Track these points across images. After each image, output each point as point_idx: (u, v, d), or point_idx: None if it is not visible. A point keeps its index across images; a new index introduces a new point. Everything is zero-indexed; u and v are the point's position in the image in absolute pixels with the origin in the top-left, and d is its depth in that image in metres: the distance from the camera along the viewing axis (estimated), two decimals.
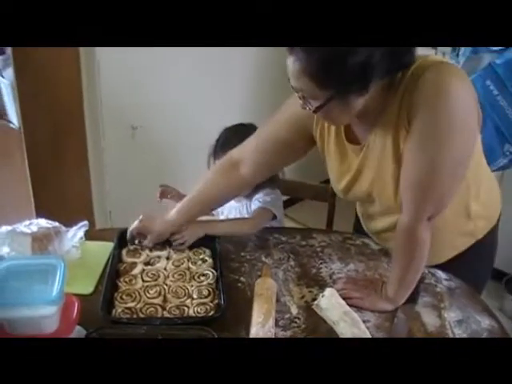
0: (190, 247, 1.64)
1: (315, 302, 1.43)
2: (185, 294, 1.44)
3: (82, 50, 2.36)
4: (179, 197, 1.90)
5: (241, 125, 1.95)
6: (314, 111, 1.30)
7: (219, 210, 1.96)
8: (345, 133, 1.47)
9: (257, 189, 1.89)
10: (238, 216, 1.95)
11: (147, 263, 1.58)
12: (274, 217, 1.86)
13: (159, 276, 1.51)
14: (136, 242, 1.64)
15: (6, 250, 1.47)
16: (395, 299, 1.45)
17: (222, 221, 1.91)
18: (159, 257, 1.59)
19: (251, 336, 1.29)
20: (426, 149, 1.28)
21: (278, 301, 1.45)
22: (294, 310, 1.44)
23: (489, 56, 2.29)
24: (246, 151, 1.65)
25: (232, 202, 1.91)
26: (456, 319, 1.43)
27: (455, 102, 1.23)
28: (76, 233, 1.61)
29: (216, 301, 1.42)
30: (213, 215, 1.97)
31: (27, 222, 1.57)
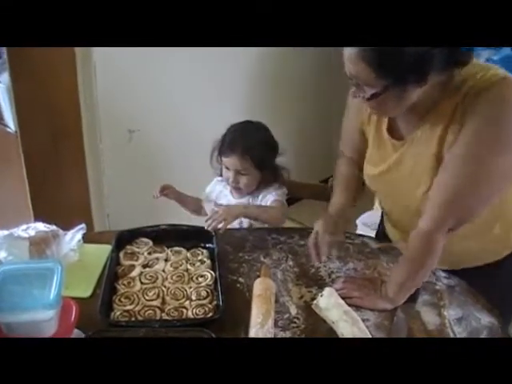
0: (188, 248, 1.64)
1: (314, 302, 1.43)
2: (183, 296, 1.44)
3: (78, 53, 2.35)
4: (174, 194, 1.91)
5: (248, 122, 1.94)
6: (368, 99, 1.27)
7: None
8: (387, 125, 1.46)
9: (263, 185, 1.90)
10: None
11: (145, 265, 1.57)
12: None
13: (157, 278, 1.51)
14: None
15: (3, 254, 1.46)
16: (395, 300, 1.45)
17: (255, 205, 1.88)
18: (157, 259, 1.59)
19: (250, 337, 1.29)
20: (474, 158, 1.27)
21: (276, 301, 1.45)
22: (293, 310, 1.44)
23: (486, 52, 2.29)
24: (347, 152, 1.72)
25: (231, 199, 1.93)
26: (456, 317, 1.42)
27: None
28: (74, 236, 1.60)
29: (215, 302, 1.42)
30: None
31: (25, 226, 1.57)
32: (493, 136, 1.25)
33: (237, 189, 1.88)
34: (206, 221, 1.66)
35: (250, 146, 1.82)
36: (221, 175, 1.95)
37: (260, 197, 1.90)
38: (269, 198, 1.88)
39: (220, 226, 1.64)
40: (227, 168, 1.86)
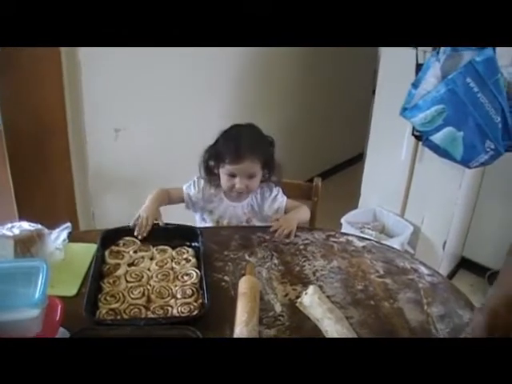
0: (174, 247, 1.65)
1: (299, 300, 1.44)
2: (168, 294, 1.44)
3: (63, 51, 2.34)
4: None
5: (239, 125, 1.90)
6: None
7: (219, 213, 1.96)
8: None
9: (261, 184, 1.92)
10: (242, 215, 1.95)
11: (131, 264, 1.58)
12: None
13: (143, 276, 1.51)
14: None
15: None
16: None
17: (296, 210, 1.92)
18: (143, 257, 1.59)
19: (235, 335, 1.29)
20: None
21: (261, 299, 1.46)
22: (278, 308, 1.45)
23: (469, 53, 2.31)
24: None
25: (228, 202, 1.93)
26: (439, 314, 1.44)
27: None
28: (59, 235, 1.60)
29: (200, 300, 1.42)
30: (217, 223, 1.97)
31: (9, 225, 1.56)
32: None
33: (244, 193, 1.87)
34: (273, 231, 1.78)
35: (257, 147, 1.81)
36: (210, 181, 1.92)
37: (265, 199, 1.93)
38: (278, 200, 1.92)
39: (292, 236, 1.78)
40: (232, 175, 1.82)
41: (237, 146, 1.80)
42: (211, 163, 1.88)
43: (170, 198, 1.88)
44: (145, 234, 1.67)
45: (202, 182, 1.92)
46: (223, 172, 1.84)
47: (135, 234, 1.67)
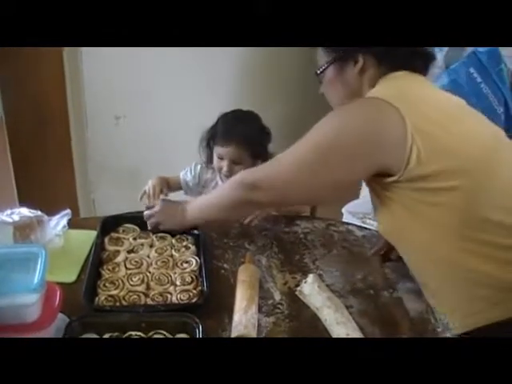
0: (173, 234, 1.65)
1: (298, 288, 1.44)
2: (168, 281, 1.44)
3: None
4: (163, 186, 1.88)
5: (240, 111, 1.92)
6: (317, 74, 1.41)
7: None
8: None
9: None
10: None
11: (130, 251, 1.57)
12: None
13: (142, 263, 1.51)
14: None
15: None
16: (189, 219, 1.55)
17: None
18: (142, 244, 1.59)
19: (234, 322, 1.29)
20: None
21: (261, 287, 1.46)
22: (277, 296, 1.45)
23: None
24: None
25: None
26: None
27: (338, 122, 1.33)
28: (59, 221, 1.60)
29: (199, 288, 1.42)
30: None
31: (9, 211, 1.56)
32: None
33: (229, 178, 1.86)
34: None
35: (246, 134, 1.81)
36: (208, 163, 1.93)
37: None
38: None
39: (256, 221, 1.73)
40: (221, 158, 1.84)
41: (227, 128, 1.84)
42: (208, 144, 1.91)
43: (168, 184, 1.89)
44: (157, 202, 1.67)
45: (199, 167, 1.94)
46: (215, 152, 1.88)
47: (147, 206, 1.68)
